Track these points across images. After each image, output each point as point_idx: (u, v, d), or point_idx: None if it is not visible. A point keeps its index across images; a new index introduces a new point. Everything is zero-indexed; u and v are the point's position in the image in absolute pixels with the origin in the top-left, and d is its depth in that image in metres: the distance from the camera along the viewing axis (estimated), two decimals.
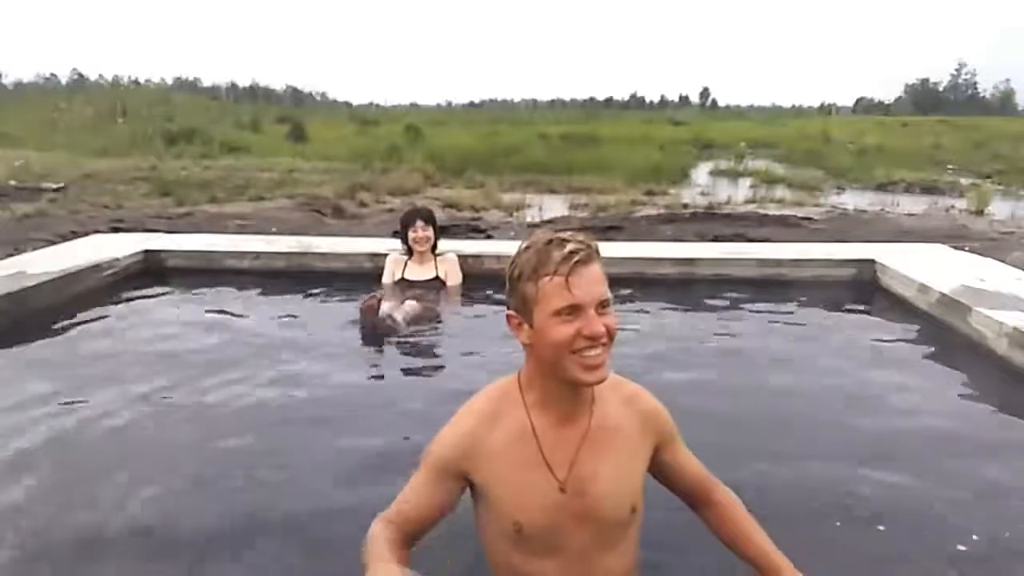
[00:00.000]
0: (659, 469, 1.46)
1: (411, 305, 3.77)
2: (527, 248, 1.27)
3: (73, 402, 2.76)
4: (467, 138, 18.76)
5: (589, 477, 1.32)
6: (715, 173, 14.73)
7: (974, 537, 1.95)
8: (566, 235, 1.25)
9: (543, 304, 1.23)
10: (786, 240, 6.41)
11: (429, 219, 4.18)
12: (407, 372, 3.28)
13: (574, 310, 1.21)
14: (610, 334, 1.23)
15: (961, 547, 1.91)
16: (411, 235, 4.13)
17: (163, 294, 4.41)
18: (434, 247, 4.23)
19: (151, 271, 4.86)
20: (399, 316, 3.57)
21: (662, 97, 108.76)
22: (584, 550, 1.34)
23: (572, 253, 1.21)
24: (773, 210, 9.15)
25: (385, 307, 3.53)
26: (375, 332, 3.50)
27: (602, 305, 1.23)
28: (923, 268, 4.30)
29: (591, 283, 1.22)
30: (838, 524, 2.00)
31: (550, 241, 1.24)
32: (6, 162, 11.91)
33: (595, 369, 1.23)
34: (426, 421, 2.63)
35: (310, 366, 3.21)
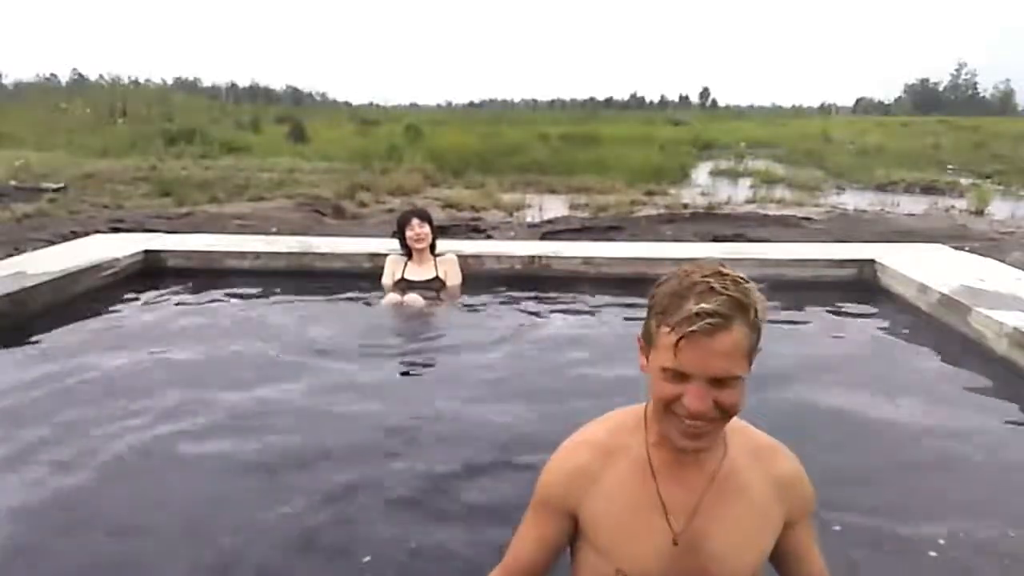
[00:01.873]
0: (777, 548, 1.23)
1: (413, 298, 3.88)
2: (675, 278, 1.07)
3: (72, 403, 2.76)
4: (467, 138, 18.75)
5: (708, 533, 1.15)
6: (715, 173, 14.74)
7: (974, 536, 1.95)
8: (718, 282, 1.02)
9: (656, 352, 1.08)
10: (786, 240, 6.41)
11: (424, 217, 4.17)
12: (407, 372, 3.28)
13: (679, 376, 1.05)
14: (723, 410, 1.05)
15: (962, 546, 1.91)
16: (408, 234, 4.12)
17: (163, 294, 4.41)
18: (433, 247, 4.23)
19: (151, 271, 4.86)
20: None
21: (662, 97, 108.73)
22: None
23: (698, 316, 1.00)
24: (773, 210, 9.16)
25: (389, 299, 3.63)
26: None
27: (721, 380, 1.03)
28: (923, 268, 4.30)
29: (707, 356, 1.02)
30: (837, 524, 2.00)
31: (695, 283, 1.03)
32: (6, 162, 11.91)
33: (691, 438, 1.08)
34: (425, 422, 2.66)
35: (310, 366, 3.20)
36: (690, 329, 1.01)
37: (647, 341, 1.12)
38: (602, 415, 1.29)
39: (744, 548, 1.17)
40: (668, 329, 1.04)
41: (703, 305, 1.00)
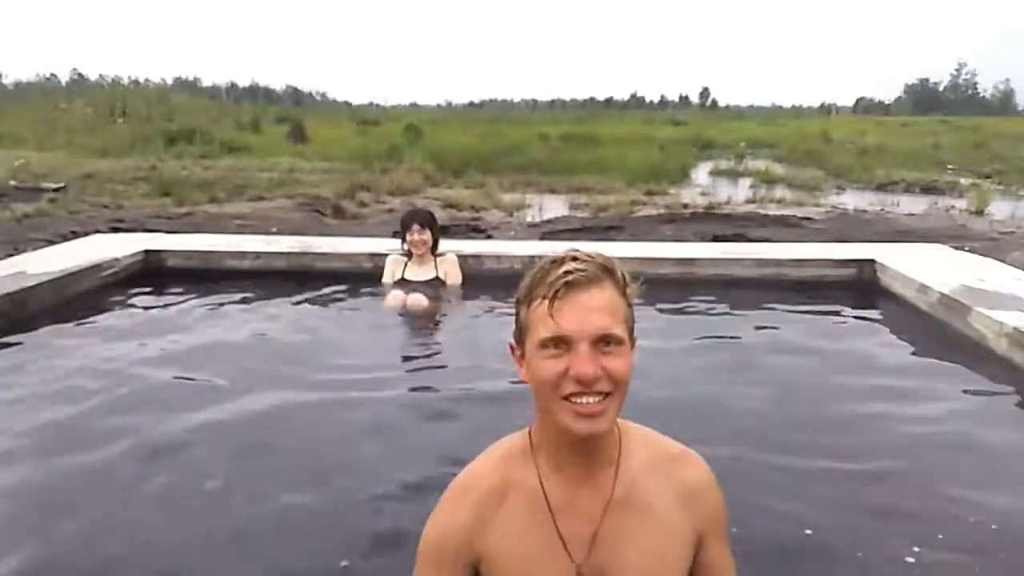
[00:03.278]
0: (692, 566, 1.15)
1: (416, 298, 3.91)
2: (534, 267, 1.07)
3: (72, 403, 2.75)
4: (467, 138, 18.76)
5: (612, 559, 1.08)
6: (715, 173, 14.74)
7: (974, 536, 1.95)
8: (580, 252, 1.04)
9: (531, 333, 1.04)
10: (786, 240, 6.41)
11: (426, 222, 4.16)
12: (406, 372, 3.28)
13: (560, 343, 1.00)
14: (612, 379, 1.00)
15: (960, 547, 1.91)
16: (408, 238, 4.13)
17: (163, 294, 4.40)
18: (434, 248, 4.23)
19: (151, 271, 4.86)
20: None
21: (662, 97, 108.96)
22: None
23: (567, 274, 0.99)
24: (773, 210, 9.16)
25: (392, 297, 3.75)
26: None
27: (604, 341, 1.00)
28: (923, 268, 4.29)
29: (584, 311, 0.99)
30: (836, 523, 2.00)
31: (557, 260, 1.04)
32: (6, 162, 11.90)
33: (587, 418, 1.00)
34: (425, 422, 2.66)
35: (310, 366, 3.20)
36: (563, 282, 0.99)
37: (519, 335, 1.08)
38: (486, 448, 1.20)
39: (654, 571, 1.09)
40: (539, 300, 1.02)
41: (568, 266, 1.01)
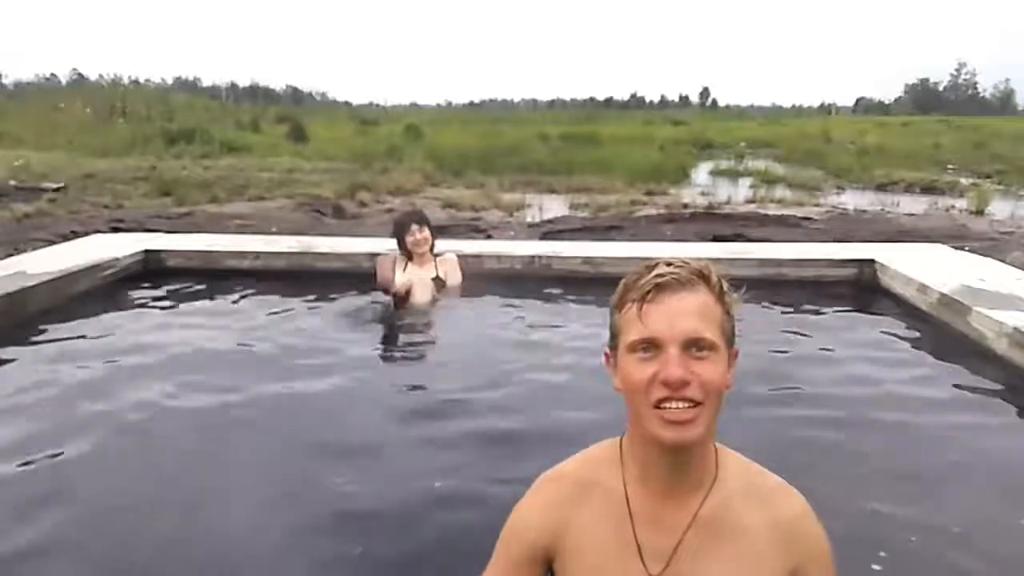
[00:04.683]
0: None
1: (422, 292, 3.97)
2: (628, 273, 1.07)
3: (72, 403, 2.75)
4: (467, 138, 18.77)
5: None
6: (715, 173, 14.75)
7: (974, 535, 1.95)
8: (676, 259, 1.03)
9: (622, 337, 1.03)
10: (786, 240, 6.41)
11: (422, 221, 4.15)
12: (406, 373, 3.28)
13: (650, 346, 0.98)
14: (702, 385, 0.97)
15: (959, 546, 1.91)
16: (409, 239, 4.06)
17: (163, 294, 4.40)
18: (432, 247, 4.21)
19: (151, 271, 4.86)
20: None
21: (662, 97, 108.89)
22: None
23: (659, 277, 0.99)
24: (773, 210, 9.15)
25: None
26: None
27: (695, 346, 0.98)
28: (923, 268, 4.30)
29: (674, 314, 0.98)
30: (835, 522, 2.00)
31: (650, 267, 1.03)
32: (6, 162, 11.91)
33: (676, 425, 0.97)
34: (425, 422, 2.66)
35: (309, 366, 3.20)
36: (653, 284, 0.99)
37: (613, 347, 1.07)
38: (579, 451, 1.19)
39: None
40: (631, 304, 1.01)
41: (661, 270, 1.01)
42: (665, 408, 0.97)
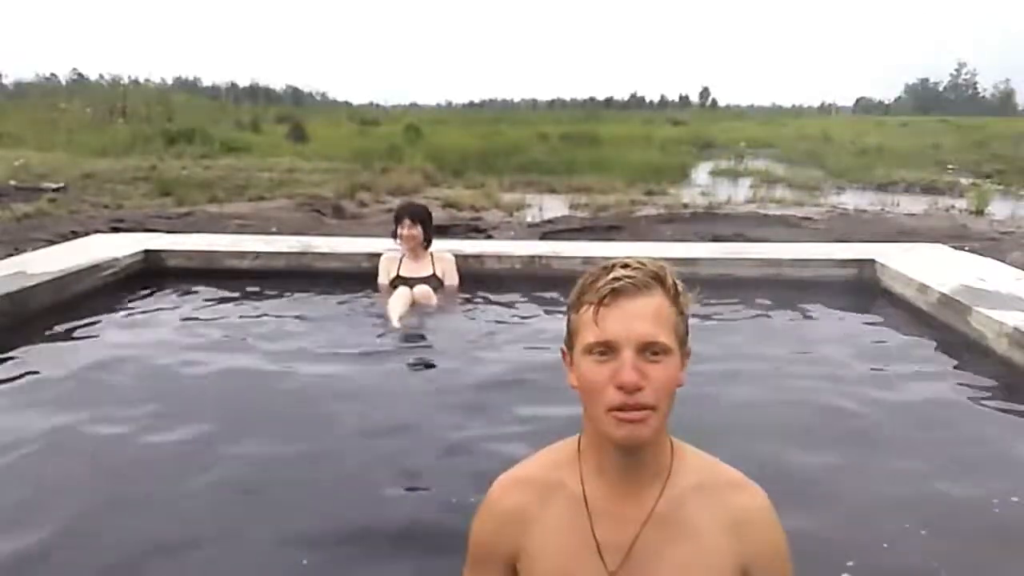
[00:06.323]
0: None
1: (422, 290, 3.97)
2: (585, 273, 1.09)
3: (72, 403, 2.75)
4: (467, 138, 18.76)
5: (646, 573, 1.07)
6: (715, 173, 14.74)
7: (973, 536, 1.95)
8: (632, 259, 1.05)
9: (578, 338, 1.05)
10: (786, 240, 6.40)
11: (417, 217, 4.13)
12: (405, 373, 3.28)
13: (606, 349, 1.00)
14: (657, 388, 0.99)
15: (960, 548, 1.91)
16: (400, 232, 4.12)
17: (163, 294, 4.40)
18: (427, 245, 4.21)
19: (151, 271, 4.85)
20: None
21: (662, 97, 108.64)
22: None
23: (615, 280, 1.01)
24: (773, 210, 9.16)
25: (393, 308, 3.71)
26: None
27: (650, 350, 1.00)
28: (923, 268, 4.29)
29: (629, 318, 1.00)
30: (835, 521, 2.00)
31: (607, 266, 1.05)
32: (6, 162, 11.91)
33: (628, 424, 0.99)
34: (424, 423, 2.66)
35: (309, 366, 3.20)
36: (610, 288, 1.00)
37: (569, 346, 1.08)
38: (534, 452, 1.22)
39: None
40: (587, 306, 1.03)
41: (617, 273, 1.02)
42: (619, 412, 1.00)
